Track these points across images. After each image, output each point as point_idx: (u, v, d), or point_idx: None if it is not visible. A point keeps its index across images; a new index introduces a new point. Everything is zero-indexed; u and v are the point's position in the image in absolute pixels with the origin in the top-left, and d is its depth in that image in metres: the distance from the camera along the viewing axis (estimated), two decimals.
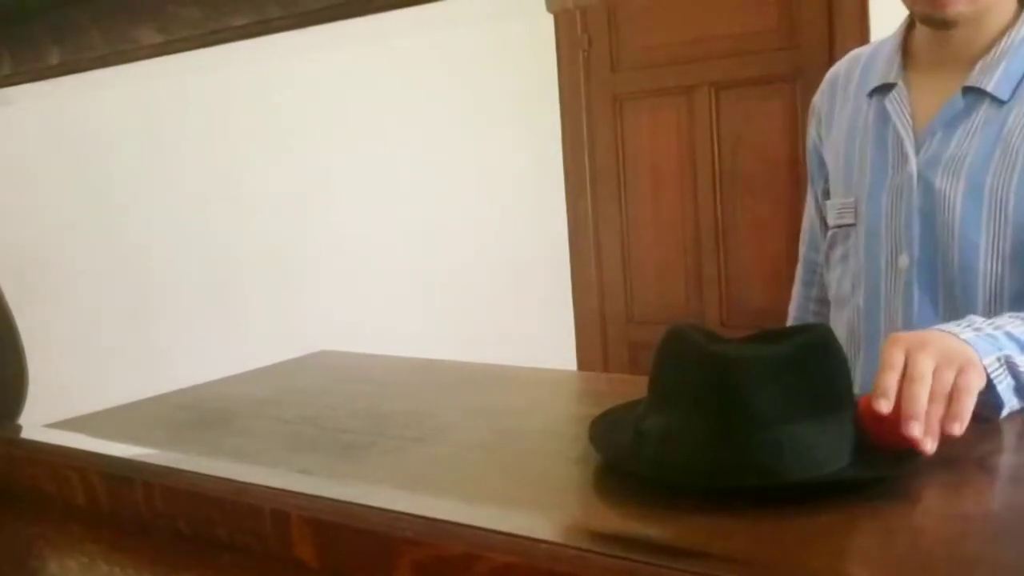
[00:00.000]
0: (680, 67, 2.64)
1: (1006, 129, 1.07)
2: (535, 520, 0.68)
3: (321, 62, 3.15)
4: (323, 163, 3.22)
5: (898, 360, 0.77)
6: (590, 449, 0.78)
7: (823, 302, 1.32)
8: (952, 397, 0.76)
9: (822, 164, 1.29)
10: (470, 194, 2.95)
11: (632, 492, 0.70)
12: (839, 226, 1.21)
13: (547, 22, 2.74)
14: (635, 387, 0.80)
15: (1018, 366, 0.86)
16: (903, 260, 1.12)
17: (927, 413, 0.73)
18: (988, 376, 0.82)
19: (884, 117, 1.16)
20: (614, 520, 0.69)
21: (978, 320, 0.91)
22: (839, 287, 1.23)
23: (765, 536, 0.62)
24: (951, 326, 0.87)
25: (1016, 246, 1.06)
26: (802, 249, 1.38)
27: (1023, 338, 0.88)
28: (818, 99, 1.31)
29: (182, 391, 1.18)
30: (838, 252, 1.22)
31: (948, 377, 0.77)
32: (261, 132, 3.34)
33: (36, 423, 1.01)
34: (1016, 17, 1.09)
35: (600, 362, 2.88)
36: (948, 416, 0.74)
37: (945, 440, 0.72)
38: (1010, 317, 0.93)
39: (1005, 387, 0.85)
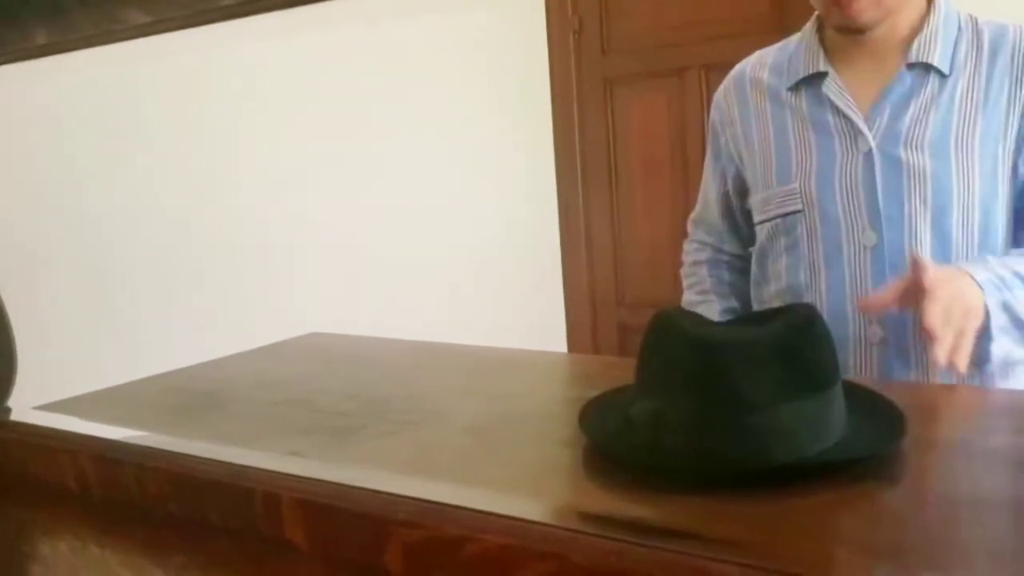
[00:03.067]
0: (672, 50, 2.63)
1: (956, 100, 1.13)
2: (527, 502, 0.68)
3: (309, 47, 3.13)
4: (312, 149, 3.20)
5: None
6: (581, 430, 0.78)
7: (735, 283, 1.36)
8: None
9: (731, 162, 1.33)
10: (460, 178, 2.94)
11: (623, 475, 0.71)
12: (781, 215, 1.22)
13: (537, 4, 2.73)
14: (626, 369, 0.81)
15: (1012, 304, 1.02)
16: (869, 238, 1.15)
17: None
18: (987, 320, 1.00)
19: (820, 103, 1.20)
20: (606, 502, 0.69)
21: (992, 260, 1.06)
22: (791, 277, 1.23)
23: (753, 518, 0.62)
24: (969, 265, 1.04)
25: (983, 214, 1.12)
26: (697, 233, 1.42)
27: None
28: (723, 99, 1.34)
29: (173, 373, 1.18)
30: (783, 242, 1.23)
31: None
32: (249, 118, 3.32)
33: (26, 405, 1.01)
34: (930, 5, 1.17)
35: (590, 345, 2.88)
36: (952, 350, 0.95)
37: (933, 420, 0.72)
38: (1018, 254, 1.09)
39: (997, 330, 1.02)
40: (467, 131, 2.89)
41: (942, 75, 1.14)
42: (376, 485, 0.68)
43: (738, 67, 1.35)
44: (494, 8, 2.79)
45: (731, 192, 1.34)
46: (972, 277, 1.01)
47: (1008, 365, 1.10)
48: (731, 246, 1.37)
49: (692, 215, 1.44)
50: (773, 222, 1.23)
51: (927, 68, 1.14)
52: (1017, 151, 1.13)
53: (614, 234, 2.83)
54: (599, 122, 2.79)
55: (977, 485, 0.66)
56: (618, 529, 0.59)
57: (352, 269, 3.18)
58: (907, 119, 1.14)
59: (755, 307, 1.32)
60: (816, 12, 1.23)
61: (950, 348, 0.96)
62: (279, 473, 0.73)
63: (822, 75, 1.20)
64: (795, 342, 0.72)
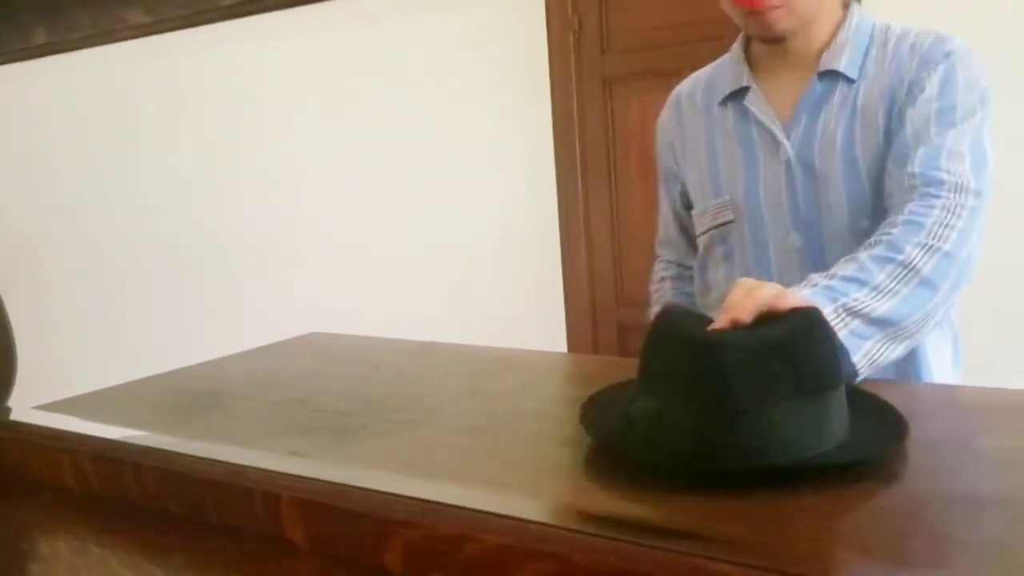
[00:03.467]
0: (671, 49, 2.62)
1: (861, 104, 1.17)
2: (526, 502, 0.68)
3: (309, 46, 3.13)
4: (312, 149, 3.20)
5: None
6: (581, 431, 0.78)
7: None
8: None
9: (676, 180, 1.37)
10: (460, 177, 2.94)
11: (622, 474, 0.71)
12: (716, 226, 1.26)
13: (537, 4, 2.73)
14: (625, 369, 0.81)
15: (855, 304, 0.97)
16: (794, 240, 1.19)
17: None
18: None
19: (745, 116, 1.25)
20: (604, 501, 0.69)
21: (815, 277, 1.02)
22: (728, 284, 1.23)
23: (752, 517, 0.62)
24: (791, 290, 0.94)
25: (875, 207, 1.15)
26: (662, 253, 1.45)
27: (857, 274, 1.00)
28: (665, 120, 1.40)
29: (172, 373, 1.18)
30: (719, 251, 1.28)
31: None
32: (249, 118, 3.32)
33: (25, 404, 1.01)
34: (845, 14, 1.21)
35: (590, 344, 2.88)
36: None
37: (933, 420, 0.72)
38: (844, 261, 1.04)
39: (848, 333, 0.96)
40: (467, 131, 2.89)
41: (850, 81, 1.18)
42: (376, 485, 0.68)
43: (676, 89, 1.40)
44: (494, 8, 2.79)
45: (680, 209, 1.39)
46: (796, 294, 0.95)
47: (907, 360, 1.11)
48: (692, 260, 1.41)
49: (657, 237, 1.48)
50: (709, 234, 1.28)
51: (836, 75, 1.19)
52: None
53: (614, 234, 2.83)
54: (599, 122, 2.79)
55: (976, 485, 0.66)
56: (616, 529, 0.59)
57: (352, 269, 3.18)
58: (819, 126, 1.18)
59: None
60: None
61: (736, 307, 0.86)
62: (279, 473, 0.73)
63: (746, 89, 1.25)
64: (796, 344, 0.72)
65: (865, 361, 0.97)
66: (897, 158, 1.12)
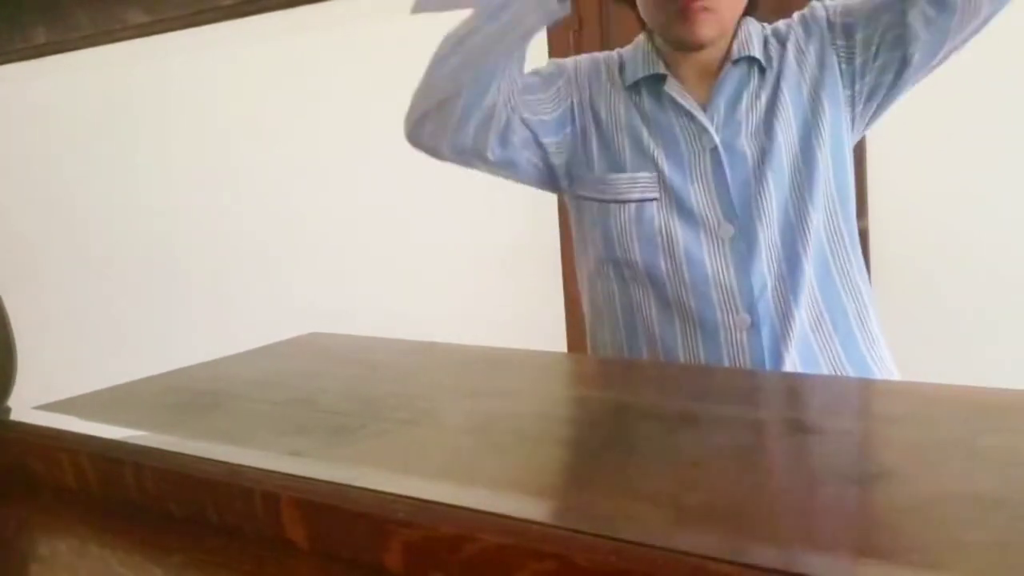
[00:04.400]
0: None
1: (777, 90, 1.21)
2: (526, 502, 0.68)
3: (309, 46, 3.13)
4: (312, 148, 3.20)
5: None
6: (581, 430, 0.78)
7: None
8: None
9: (565, 104, 1.30)
10: (460, 177, 2.94)
11: (622, 474, 0.70)
12: (636, 200, 1.24)
13: None
14: (627, 369, 0.80)
15: None
16: (726, 230, 1.20)
17: None
18: None
19: (661, 104, 1.25)
20: (604, 501, 0.69)
21: None
22: (647, 259, 1.23)
23: (752, 518, 0.62)
24: None
25: (817, 195, 1.19)
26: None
27: None
28: (577, 63, 1.34)
29: (172, 373, 1.18)
30: (633, 229, 1.24)
31: None
32: (250, 117, 3.32)
33: (25, 404, 1.01)
34: (740, 18, 1.25)
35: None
36: None
37: (930, 423, 0.72)
38: None
39: None
40: None
41: (762, 67, 1.22)
42: (375, 485, 0.68)
43: (598, 55, 1.37)
44: None
45: (536, 126, 1.27)
46: None
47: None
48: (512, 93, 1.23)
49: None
50: (625, 206, 1.24)
51: (750, 61, 1.22)
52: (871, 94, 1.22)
53: None
54: None
55: (977, 485, 0.66)
56: (618, 529, 0.59)
57: (352, 269, 3.18)
58: (742, 110, 1.21)
59: (591, 268, 1.32)
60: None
61: None
62: (278, 473, 0.73)
63: (662, 77, 1.25)
64: None
65: None
66: (881, 10, 1.18)
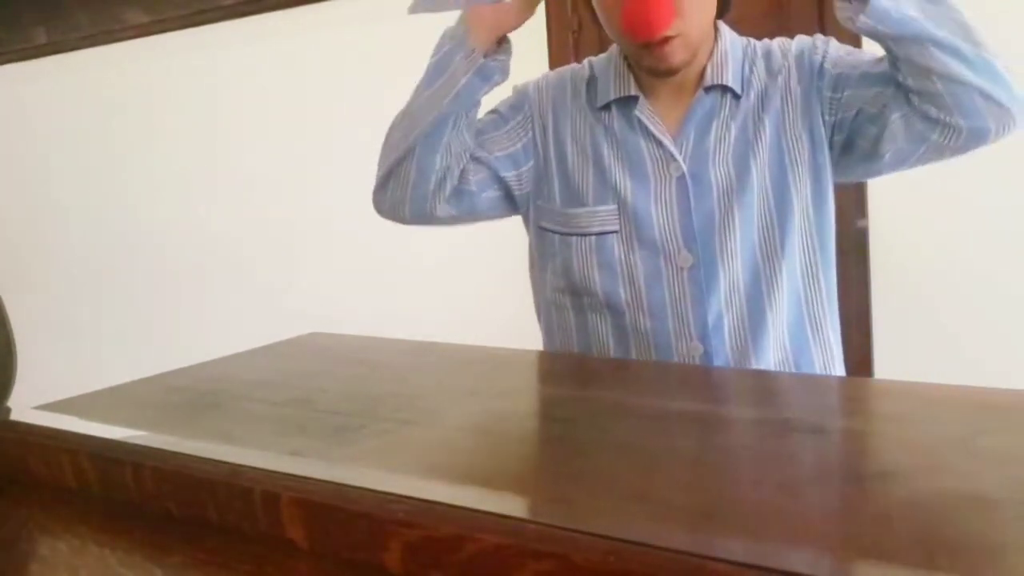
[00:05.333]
0: None
1: (749, 119, 1.18)
2: (526, 502, 0.68)
3: (309, 46, 3.13)
4: (311, 148, 3.20)
5: None
6: (579, 429, 0.78)
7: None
8: None
9: (525, 137, 1.30)
10: None
11: (623, 474, 0.71)
12: (596, 233, 1.23)
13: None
14: (625, 370, 0.81)
15: None
16: (685, 259, 1.18)
17: None
18: None
19: (632, 127, 1.22)
20: (604, 502, 0.69)
21: None
22: (607, 289, 1.22)
23: (752, 518, 0.62)
24: None
25: (781, 225, 1.17)
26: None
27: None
28: (542, 86, 1.33)
29: (172, 372, 1.18)
30: (594, 259, 1.23)
31: None
32: (250, 117, 3.32)
33: (25, 404, 1.01)
34: (717, 32, 1.23)
35: None
36: None
37: (930, 423, 0.72)
38: None
39: None
40: None
41: (735, 95, 1.19)
42: (375, 484, 0.68)
43: (563, 70, 1.36)
44: None
45: (496, 166, 1.29)
46: None
47: (909, 40, 1.05)
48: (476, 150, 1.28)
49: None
50: (585, 238, 1.23)
51: (723, 89, 1.19)
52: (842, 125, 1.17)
53: None
54: None
55: (977, 485, 0.66)
56: (618, 529, 0.59)
57: (352, 269, 3.18)
58: (711, 139, 1.18)
59: (548, 295, 1.32)
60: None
61: None
62: (278, 472, 0.73)
63: (634, 99, 1.23)
64: None
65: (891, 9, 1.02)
66: (872, 81, 1.13)
